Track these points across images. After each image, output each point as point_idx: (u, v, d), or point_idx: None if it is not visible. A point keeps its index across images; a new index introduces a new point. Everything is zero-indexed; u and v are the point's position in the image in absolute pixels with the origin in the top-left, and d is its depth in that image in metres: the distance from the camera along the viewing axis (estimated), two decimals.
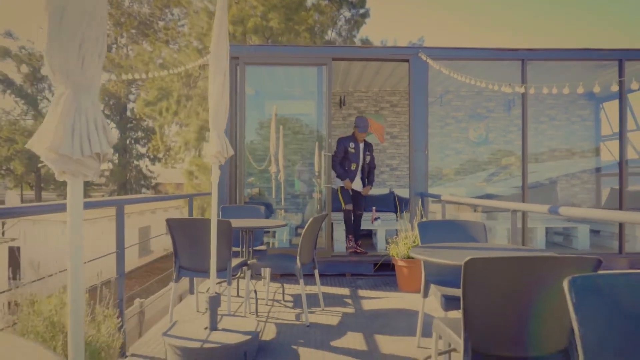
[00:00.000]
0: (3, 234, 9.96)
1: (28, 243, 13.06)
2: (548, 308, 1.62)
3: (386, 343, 3.11)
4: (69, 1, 1.02)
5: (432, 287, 2.85)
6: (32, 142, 1.08)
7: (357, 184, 5.66)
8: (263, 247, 4.49)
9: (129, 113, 39.41)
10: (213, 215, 2.86)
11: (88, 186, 40.08)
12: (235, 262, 3.46)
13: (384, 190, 8.15)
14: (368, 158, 5.65)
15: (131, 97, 38.75)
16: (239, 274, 3.98)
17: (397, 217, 6.65)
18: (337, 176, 5.60)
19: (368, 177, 5.73)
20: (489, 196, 7.83)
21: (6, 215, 2.55)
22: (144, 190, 40.36)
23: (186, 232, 3.21)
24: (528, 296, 1.63)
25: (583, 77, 6.17)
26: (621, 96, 5.47)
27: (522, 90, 5.15)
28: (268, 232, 5.96)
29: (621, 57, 5.39)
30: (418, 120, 5.35)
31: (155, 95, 19.87)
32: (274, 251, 5.16)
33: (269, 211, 6.76)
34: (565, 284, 1.19)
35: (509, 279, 1.64)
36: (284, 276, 5.13)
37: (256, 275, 5.11)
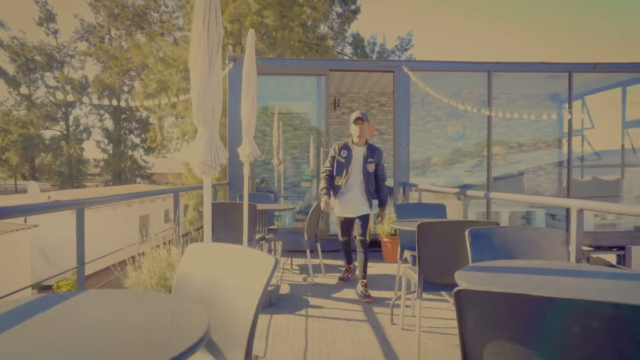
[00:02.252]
0: (25, 220, 10.85)
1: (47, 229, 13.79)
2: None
3: (372, 294, 4.18)
4: (208, 86, 2.02)
5: (406, 252, 3.91)
6: (190, 158, 2.07)
7: (349, 207, 4.14)
8: (275, 227, 5.53)
9: (123, 104, 40.03)
10: (245, 199, 3.88)
11: (82, 176, 40.62)
12: (257, 237, 4.50)
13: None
14: (371, 167, 4.10)
15: (125, 88, 39.17)
16: (257, 247, 5.02)
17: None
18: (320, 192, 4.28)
19: (378, 194, 4.23)
20: (466, 185, 8.92)
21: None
22: (138, 180, 40.96)
23: (222, 214, 4.23)
24: (457, 243, 2.69)
25: (539, 83, 7.25)
26: (570, 103, 6.56)
27: (488, 113, 6.21)
28: (274, 215, 7.00)
29: (570, 69, 6.46)
30: (401, 122, 6.40)
31: (154, 88, 20.60)
32: (283, 230, 6.20)
33: (275, 198, 7.79)
34: (466, 233, 2.25)
35: (443, 235, 2.70)
36: (291, 252, 6.18)
37: (269, 252, 6.16)
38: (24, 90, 36.91)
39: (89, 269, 3.22)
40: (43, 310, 1.25)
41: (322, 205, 4.19)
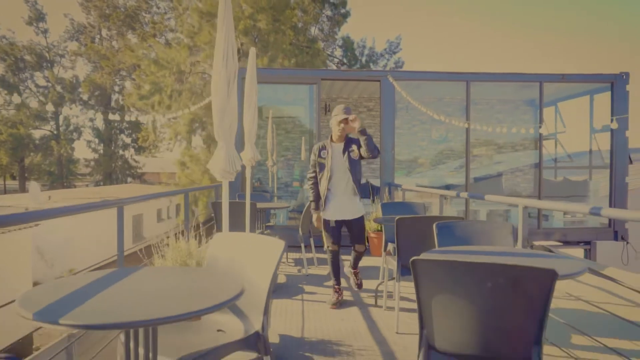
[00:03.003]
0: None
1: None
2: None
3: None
4: (226, 108, 2.53)
5: (390, 244, 4.46)
6: (212, 166, 2.58)
7: (339, 209, 3.84)
8: (271, 224, 6.04)
9: (113, 104, 40.05)
10: (247, 198, 4.39)
11: (72, 176, 40.58)
12: (256, 232, 5.01)
13: (362, 181, 9.78)
14: (355, 154, 3.82)
15: (116, 88, 39.26)
16: None
17: (371, 201, 8.27)
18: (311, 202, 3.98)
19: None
20: (448, 186, 9.51)
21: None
22: (129, 179, 41.04)
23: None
24: (428, 234, 3.23)
25: (516, 90, 7.87)
26: (541, 113, 7.18)
27: (466, 125, 6.82)
28: (270, 213, 7.51)
29: (541, 79, 7.07)
30: (386, 126, 6.95)
31: (148, 89, 20.94)
32: (279, 227, 6.72)
33: (270, 197, 8.30)
34: (434, 226, 2.79)
35: (418, 228, 3.25)
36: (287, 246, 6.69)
37: None
38: (16, 98, 36.66)
39: (112, 259, 3.70)
40: (120, 279, 1.76)
41: (315, 222, 3.94)
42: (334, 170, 3.84)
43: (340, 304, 3.90)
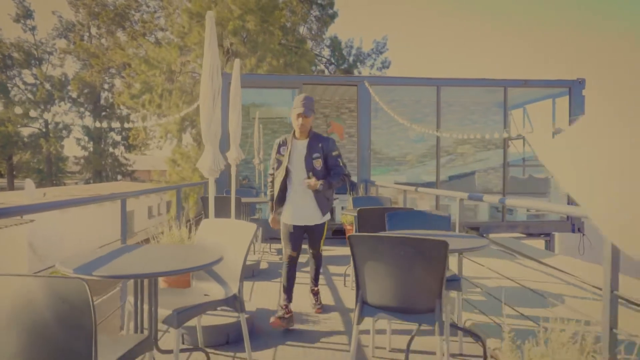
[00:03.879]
0: (22, 215, 11.56)
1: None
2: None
3: (334, 269, 5.30)
4: (212, 117, 3.09)
5: None
6: (200, 165, 3.13)
7: (298, 212, 3.43)
8: (256, 217, 6.60)
9: (102, 101, 40.17)
10: (233, 193, 4.94)
11: (62, 174, 40.61)
12: None
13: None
14: (318, 163, 3.35)
15: (105, 86, 39.34)
16: None
17: (348, 196, 8.87)
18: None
19: (330, 174, 3.42)
20: (426, 183, 10.14)
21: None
22: (119, 177, 41.17)
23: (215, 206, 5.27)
24: (383, 220, 3.82)
25: (488, 93, 8.50)
26: (505, 116, 7.81)
27: (438, 134, 7.43)
28: (256, 207, 8.06)
29: (505, 84, 7.71)
30: (363, 127, 7.54)
31: (139, 88, 21.30)
32: (263, 220, 7.26)
33: (256, 193, 8.85)
34: (385, 215, 3.37)
35: (376, 217, 3.83)
36: (271, 238, 7.25)
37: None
38: (3, 96, 36.62)
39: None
40: (130, 251, 2.31)
41: (270, 223, 3.56)
42: (293, 169, 3.37)
43: (288, 323, 3.29)
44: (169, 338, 3.07)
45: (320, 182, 3.30)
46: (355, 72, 25.70)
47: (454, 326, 2.87)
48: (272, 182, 3.53)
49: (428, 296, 2.20)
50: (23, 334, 1.41)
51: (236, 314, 3.09)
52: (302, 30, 26.27)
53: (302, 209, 3.43)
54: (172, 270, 1.88)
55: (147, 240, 3.68)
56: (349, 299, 4.09)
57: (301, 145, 3.40)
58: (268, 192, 3.60)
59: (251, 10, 19.46)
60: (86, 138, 39.91)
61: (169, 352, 2.23)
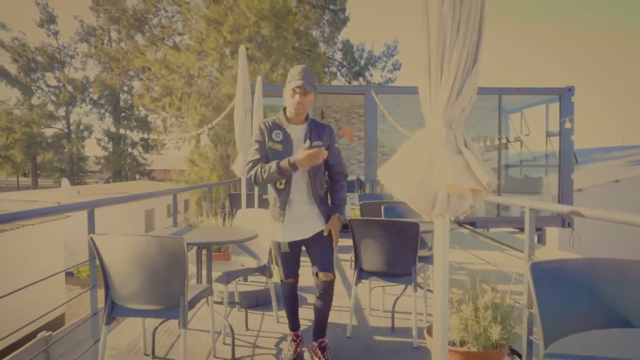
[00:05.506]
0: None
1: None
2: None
3: (342, 256, 6.14)
4: (244, 129, 3.95)
5: None
6: (235, 167, 3.99)
7: (294, 224, 2.60)
8: None
9: (122, 103, 41.57)
10: (256, 190, 5.81)
11: (82, 173, 42.13)
12: None
13: (352, 177, 11.20)
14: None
15: (125, 88, 40.65)
16: None
17: (356, 194, 9.71)
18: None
19: (333, 195, 2.71)
20: None
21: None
22: (137, 177, 42.53)
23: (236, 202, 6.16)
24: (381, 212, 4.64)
25: (488, 99, 9.25)
26: (500, 122, 8.56)
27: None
28: None
29: (499, 92, 8.45)
30: (370, 133, 8.37)
31: (160, 92, 22.40)
32: None
33: None
34: (382, 207, 4.20)
35: (373, 209, 4.66)
36: None
37: None
38: (35, 101, 38.16)
39: None
40: (190, 230, 3.18)
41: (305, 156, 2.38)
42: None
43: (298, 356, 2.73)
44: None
45: (338, 215, 2.63)
46: (367, 74, 26.48)
47: (430, 290, 3.70)
48: (256, 170, 2.54)
49: (406, 263, 3.03)
50: (142, 275, 2.28)
51: (263, 284, 3.97)
52: (315, 34, 27.12)
53: (301, 219, 2.58)
54: (229, 241, 2.76)
55: (189, 225, 4.57)
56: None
57: (299, 131, 2.58)
58: (260, 171, 2.51)
59: (266, 17, 20.36)
60: (106, 138, 41.33)
61: (220, 303, 3.11)
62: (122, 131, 35.22)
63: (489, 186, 1.13)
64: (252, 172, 2.56)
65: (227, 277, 3.02)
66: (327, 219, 2.65)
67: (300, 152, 2.41)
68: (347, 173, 2.79)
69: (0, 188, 41.20)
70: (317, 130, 2.62)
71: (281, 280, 2.82)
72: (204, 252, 2.98)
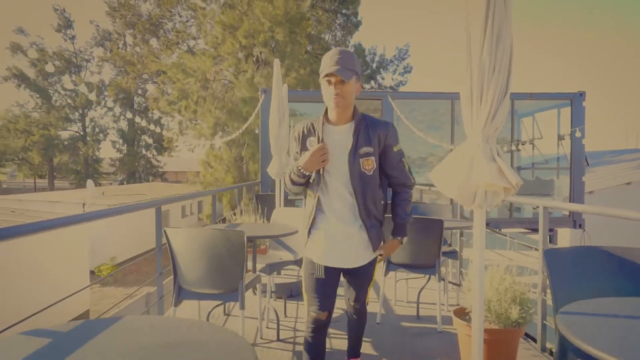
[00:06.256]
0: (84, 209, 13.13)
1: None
2: None
3: None
4: (278, 136, 4.32)
5: None
6: (270, 170, 4.36)
7: (332, 246, 2.10)
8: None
9: (136, 106, 42.36)
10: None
11: (97, 174, 42.91)
12: None
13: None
14: (369, 163, 2.04)
15: (139, 91, 41.40)
16: None
17: None
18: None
19: (394, 209, 2.21)
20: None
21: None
22: (150, 178, 43.26)
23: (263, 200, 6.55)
24: None
25: None
26: (512, 127, 8.84)
27: (452, 147, 8.55)
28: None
29: (512, 98, 8.72)
30: None
31: (176, 95, 22.94)
32: None
33: None
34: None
35: None
36: None
37: None
38: (46, 101, 39.08)
39: None
40: (237, 226, 3.55)
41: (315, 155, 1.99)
42: (327, 176, 2.08)
43: None
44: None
45: (400, 238, 2.20)
46: (378, 77, 26.81)
47: (451, 283, 4.03)
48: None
49: (431, 256, 3.37)
50: (206, 263, 2.65)
51: (295, 277, 4.33)
52: (327, 38, 27.51)
53: (341, 243, 2.09)
54: (280, 234, 3.15)
55: (223, 220, 4.95)
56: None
57: (340, 133, 2.07)
58: (287, 181, 2.17)
59: (280, 23, 20.81)
60: (120, 141, 42.11)
61: (264, 291, 3.48)
62: (138, 127, 35.72)
63: (517, 185, 1.48)
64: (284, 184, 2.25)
65: (270, 269, 3.38)
66: (376, 243, 2.10)
67: (305, 153, 2.03)
68: (412, 183, 2.19)
69: (17, 190, 42.28)
70: (367, 130, 2.04)
71: (307, 314, 2.10)
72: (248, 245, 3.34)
